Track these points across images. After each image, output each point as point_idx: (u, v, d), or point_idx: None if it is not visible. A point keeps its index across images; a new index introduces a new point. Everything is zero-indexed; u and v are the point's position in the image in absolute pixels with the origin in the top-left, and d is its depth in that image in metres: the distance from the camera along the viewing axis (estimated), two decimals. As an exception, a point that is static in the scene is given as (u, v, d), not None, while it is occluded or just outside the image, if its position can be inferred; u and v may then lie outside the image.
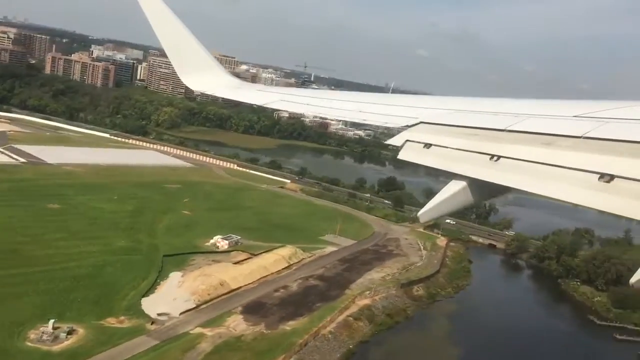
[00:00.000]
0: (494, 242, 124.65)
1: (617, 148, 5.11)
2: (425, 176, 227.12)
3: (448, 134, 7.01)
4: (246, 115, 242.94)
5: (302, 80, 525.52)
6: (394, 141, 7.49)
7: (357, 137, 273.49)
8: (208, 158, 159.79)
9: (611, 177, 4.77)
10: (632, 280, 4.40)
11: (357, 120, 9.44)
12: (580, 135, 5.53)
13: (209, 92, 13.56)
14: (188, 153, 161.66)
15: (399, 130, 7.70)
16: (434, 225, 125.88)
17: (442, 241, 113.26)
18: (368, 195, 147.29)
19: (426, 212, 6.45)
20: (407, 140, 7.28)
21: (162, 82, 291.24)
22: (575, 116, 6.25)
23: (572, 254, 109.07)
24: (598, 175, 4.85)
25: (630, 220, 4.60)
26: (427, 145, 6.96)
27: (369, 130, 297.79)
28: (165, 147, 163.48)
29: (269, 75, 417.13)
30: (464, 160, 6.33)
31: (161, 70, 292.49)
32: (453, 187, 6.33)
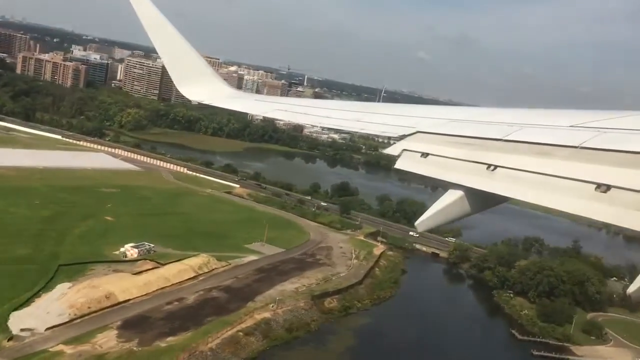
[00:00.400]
0: (437, 251, 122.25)
1: (614, 158, 5.17)
2: (400, 182, 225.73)
3: (445, 144, 7.13)
4: (215, 117, 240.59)
5: (290, 82, 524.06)
6: (391, 150, 7.57)
7: (330, 140, 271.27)
8: (161, 162, 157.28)
9: (608, 187, 4.84)
10: (630, 290, 4.37)
11: (354, 130, 9.51)
12: (576, 145, 5.60)
13: (206, 102, 13.44)
14: (141, 156, 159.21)
15: (394, 139, 7.79)
16: (377, 233, 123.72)
17: (379, 250, 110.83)
18: (318, 201, 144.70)
19: (423, 221, 6.49)
20: (404, 150, 7.39)
21: (135, 83, 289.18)
22: (571, 126, 6.33)
23: (509, 264, 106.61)
24: (595, 185, 4.93)
25: (628, 229, 4.58)
26: (424, 155, 7.09)
27: (344, 134, 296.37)
28: (118, 150, 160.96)
29: (251, 77, 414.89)
30: (460, 169, 6.44)
31: (135, 71, 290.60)
32: (450, 197, 6.41)
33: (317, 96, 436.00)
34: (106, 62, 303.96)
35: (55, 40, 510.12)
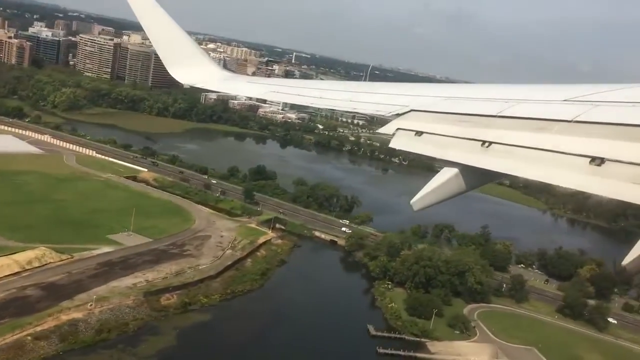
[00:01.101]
0: (335, 239, 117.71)
1: (607, 131, 5.21)
2: (351, 164, 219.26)
3: (439, 121, 7.16)
4: (161, 97, 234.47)
5: (267, 60, 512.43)
6: (385, 130, 7.61)
7: (287, 120, 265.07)
8: (73, 144, 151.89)
9: (602, 160, 4.87)
10: (625, 262, 4.34)
11: (348, 110, 9.72)
12: (570, 119, 5.65)
13: (198, 85, 13.51)
14: (54, 139, 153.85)
15: (389, 118, 7.80)
16: (276, 219, 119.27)
17: (266, 238, 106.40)
18: (234, 185, 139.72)
19: (418, 200, 6.49)
20: (399, 129, 7.40)
21: (87, 62, 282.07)
22: (565, 100, 6.40)
23: (396, 253, 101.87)
24: (589, 159, 4.97)
25: (623, 202, 4.57)
26: (419, 133, 7.12)
27: (303, 113, 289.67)
28: (30, 132, 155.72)
29: (217, 55, 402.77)
30: (455, 147, 6.46)
31: (87, 48, 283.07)
32: (445, 175, 6.43)
33: (287, 74, 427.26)
34: (58, 39, 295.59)
35: (35, 16, 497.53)
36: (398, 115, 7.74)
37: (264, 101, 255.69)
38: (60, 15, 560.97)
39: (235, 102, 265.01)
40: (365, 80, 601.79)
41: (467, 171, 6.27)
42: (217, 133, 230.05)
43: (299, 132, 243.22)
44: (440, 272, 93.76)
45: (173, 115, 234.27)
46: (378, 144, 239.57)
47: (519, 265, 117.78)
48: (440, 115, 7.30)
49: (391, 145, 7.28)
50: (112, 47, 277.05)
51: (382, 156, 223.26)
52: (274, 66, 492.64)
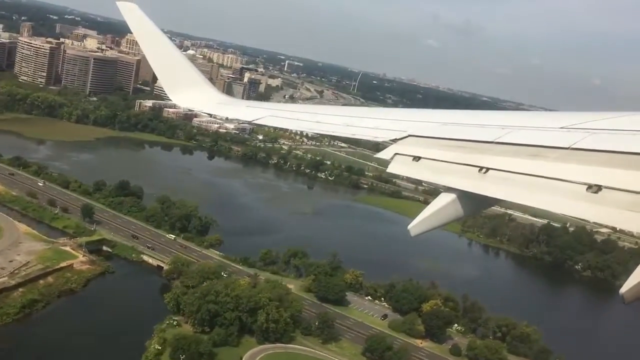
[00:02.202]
0: (162, 264, 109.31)
1: (604, 158, 5.35)
2: (276, 177, 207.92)
3: (437, 147, 7.32)
4: (80, 103, 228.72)
5: (241, 68, 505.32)
6: (383, 155, 7.75)
7: (224, 130, 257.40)
8: None
9: (599, 188, 5.00)
10: (622, 290, 4.48)
11: (346, 135, 9.93)
12: (567, 147, 5.78)
13: (197, 109, 14.17)
14: None
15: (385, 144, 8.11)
16: (104, 242, 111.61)
17: (70, 262, 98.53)
18: (93, 202, 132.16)
19: (416, 225, 6.61)
20: (396, 154, 7.58)
21: (24, 65, 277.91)
22: (562, 127, 6.53)
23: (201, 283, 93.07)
24: (586, 186, 5.10)
25: (619, 230, 4.82)
26: (416, 158, 7.29)
27: (245, 123, 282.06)
28: None
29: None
30: (453, 172, 6.62)
31: (23, 52, 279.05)
32: (443, 200, 6.56)
33: (251, 84, 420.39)
34: (6, 41, 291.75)
35: (23, 18, 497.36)
36: (396, 140, 7.96)
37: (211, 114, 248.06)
38: (55, 17, 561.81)
39: (170, 110, 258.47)
40: (354, 87, 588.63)
41: (464, 197, 6.41)
42: (139, 143, 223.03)
43: (225, 144, 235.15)
44: (229, 308, 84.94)
45: (94, 122, 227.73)
46: (311, 156, 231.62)
47: (367, 297, 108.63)
48: (438, 140, 7.50)
49: (389, 170, 7.54)
50: (47, 51, 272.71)
51: (307, 170, 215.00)
52: (253, 75, 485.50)
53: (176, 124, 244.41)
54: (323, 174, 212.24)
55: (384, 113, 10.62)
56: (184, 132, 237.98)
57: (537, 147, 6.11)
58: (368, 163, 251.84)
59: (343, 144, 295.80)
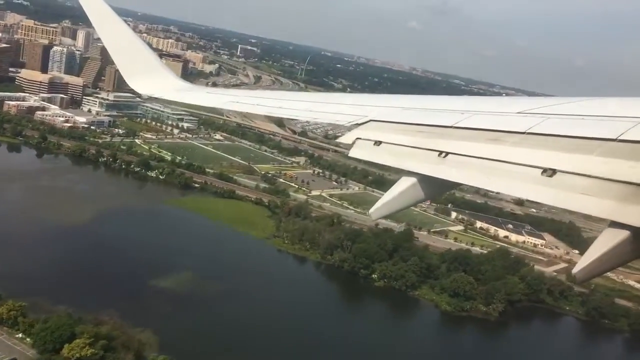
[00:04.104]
0: None
1: (558, 143, 5.66)
2: (95, 176, 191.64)
3: (398, 132, 7.59)
4: None
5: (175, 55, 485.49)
6: (344, 139, 8.03)
7: (72, 125, 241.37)
8: None
9: (553, 172, 5.32)
10: (575, 270, 4.85)
11: (308, 119, 10.84)
12: (523, 131, 6.09)
13: (157, 96, 14.10)
14: None
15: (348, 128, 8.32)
16: None
17: None
18: None
19: (377, 209, 6.89)
20: (358, 138, 7.83)
21: None
22: (519, 112, 6.84)
23: None
24: (541, 170, 5.40)
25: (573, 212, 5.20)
26: (377, 143, 7.52)
27: (106, 116, 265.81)
28: None
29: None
30: (413, 157, 6.89)
31: None
32: (403, 184, 6.80)
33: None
34: None
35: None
36: (357, 125, 8.20)
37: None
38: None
39: (11, 103, 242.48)
40: (302, 72, 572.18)
41: (424, 181, 6.69)
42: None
43: (58, 139, 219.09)
44: None
45: None
46: (148, 153, 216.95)
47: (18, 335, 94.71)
48: (399, 125, 7.78)
49: (350, 154, 7.78)
50: None
51: (137, 169, 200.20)
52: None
53: (9, 119, 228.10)
54: (154, 172, 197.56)
55: (346, 98, 11.00)
56: (12, 128, 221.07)
57: (494, 131, 6.37)
58: (231, 157, 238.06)
59: (219, 137, 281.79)
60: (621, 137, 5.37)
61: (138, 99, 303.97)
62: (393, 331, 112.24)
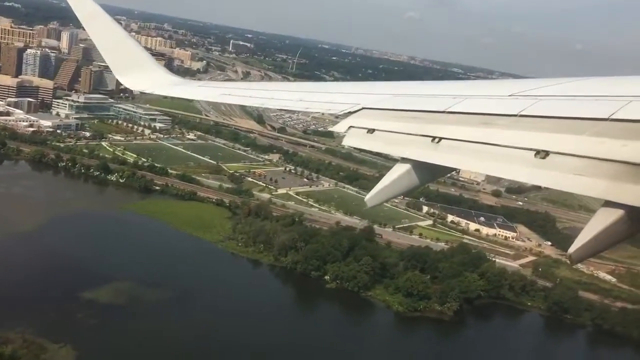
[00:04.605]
0: None
1: (551, 125, 5.72)
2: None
3: (390, 118, 7.63)
4: None
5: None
6: (337, 128, 8.08)
7: (36, 129, 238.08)
8: None
9: (546, 153, 5.37)
10: (570, 250, 4.97)
11: (300, 110, 10.52)
12: (516, 114, 6.13)
13: (148, 91, 14.17)
14: None
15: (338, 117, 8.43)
16: None
17: None
18: None
19: (372, 196, 6.92)
20: (351, 127, 7.88)
21: None
22: (510, 95, 6.86)
23: None
24: (534, 152, 5.45)
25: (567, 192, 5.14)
26: (370, 131, 7.57)
27: (74, 119, 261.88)
28: None
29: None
30: (406, 143, 6.91)
31: None
32: (398, 171, 6.83)
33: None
34: None
35: None
36: (350, 113, 8.24)
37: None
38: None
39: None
40: (293, 65, 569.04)
41: (419, 167, 6.71)
42: None
43: (18, 144, 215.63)
44: None
45: None
46: (111, 156, 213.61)
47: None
48: (391, 112, 7.78)
49: (344, 143, 7.87)
50: None
51: (97, 173, 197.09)
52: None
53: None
54: (114, 176, 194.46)
55: (338, 87, 11.28)
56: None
57: (487, 115, 6.38)
58: (200, 157, 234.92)
59: (192, 136, 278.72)
60: (613, 117, 5.40)
61: (111, 100, 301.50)
62: (333, 336, 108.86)
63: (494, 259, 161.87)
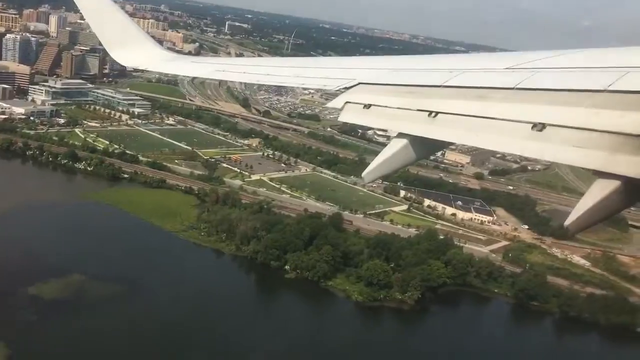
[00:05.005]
0: None
1: (547, 97, 5.73)
2: None
3: (386, 93, 7.62)
4: None
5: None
6: (333, 104, 8.05)
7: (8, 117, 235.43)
8: None
9: (543, 126, 5.38)
10: (567, 222, 5.02)
11: (296, 85, 10.85)
12: (512, 87, 6.12)
13: (141, 67, 14.48)
14: None
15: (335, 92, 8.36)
16: None
17: None
18: None
19: (369, 172, 7.00)
20: (347, 102, 7.88)
21: None
22: (506, 68, 6.86)
23: None
24: (531, 125, 5.46)
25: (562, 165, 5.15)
26: (367, 106, 7.57)
27: (41, 108, 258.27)
28: None
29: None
30: (403, 118, 6.94)
31: None
32: (394, 146, 6.87)
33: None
34: None
35: None
36: (346, 89, 8.22)
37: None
38: None
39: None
40: (288, 46, 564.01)
41: (415, 141, 6.73)
42: None
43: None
44: None
45: None
46: (79, 143, 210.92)
47: None
48: (387, 87, 7.77)
49: (340, 119, 8.00)
50: None
51: (64, 161, 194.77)
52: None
53: None
54: (82, 164, 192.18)
55: (334, 61, 11.26)
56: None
57: (483, 88, 6.38)
58: (176, 143, 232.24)
59: (172, 121, 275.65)
60: (610, 88, 5.39)
61: (90, 85, 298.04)
62: (283, 327, 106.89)
63: (464, 244, 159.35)
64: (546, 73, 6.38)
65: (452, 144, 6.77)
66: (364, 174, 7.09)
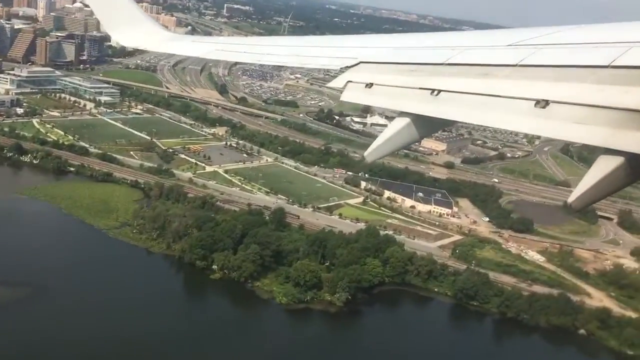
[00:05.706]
0: None
1: (550, 73, 5.69)
2: None
3: (388, 72, 7.56)
4: None
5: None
6: (335, 83, 7.99)
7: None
8: None
9: (546, 103, 5.37)
10: (570, 199, 5.06)
11: (294, 65, 10.70)
12: (515, 64, 6.07)
13: (141, 47, 14.63)
14: None
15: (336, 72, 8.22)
16: None
17: None
18: None
19: (372, 151, 6.94)
20: (349, 82, 7.77)
21: None
22: (509, 45, 6.77)
23: None
24: (534, 102, 5.45)
25: (567, 142, 5.18)
26: (369, 85, 7.48)
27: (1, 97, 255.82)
28: None
29: None
30: (405, 97, 6.88)
31: None
32: (397, 125, 6.84)
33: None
34: None
35: None
36: (347, 68, 8.09)
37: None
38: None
39: None
40: (285, 28, 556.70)
41: (418, 120, 6.68)
42: None
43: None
44: None
45: None
46: (29, 134, 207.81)
47: None
48: (389, 65, 7.67)
49: (342, 98, 7.74)
50: None
51: (10, 154, 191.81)
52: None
53: None
54: (27, 156, 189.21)
55: (334, 40, 11.04)
56: None
57: (486, 66, 6.30)
58: (137, 133, 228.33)
59: (139, 110, 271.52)
60: (614, 63, 5.33)
61: (58, 73, 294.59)
62: (192, 332, 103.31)
63: (413, 240, 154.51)
64: (549, 49, 6.27)
65: (455, 122, 6.56)
66: (366, 153, 7.07)
